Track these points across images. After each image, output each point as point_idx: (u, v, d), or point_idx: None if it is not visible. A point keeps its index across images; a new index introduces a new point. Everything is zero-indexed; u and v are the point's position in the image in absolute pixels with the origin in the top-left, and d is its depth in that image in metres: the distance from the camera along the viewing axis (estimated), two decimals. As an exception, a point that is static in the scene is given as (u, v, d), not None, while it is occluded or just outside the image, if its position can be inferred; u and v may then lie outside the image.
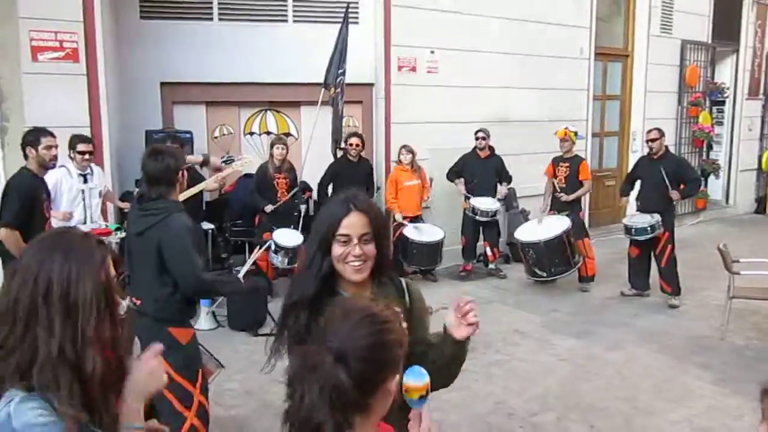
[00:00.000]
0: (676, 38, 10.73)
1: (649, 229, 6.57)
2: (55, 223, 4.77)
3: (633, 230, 6.69)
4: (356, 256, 1.81)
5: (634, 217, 6.83)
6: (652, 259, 6.83)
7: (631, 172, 7.28)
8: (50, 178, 4.96)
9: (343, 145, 7.37)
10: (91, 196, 5.34)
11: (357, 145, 7.20)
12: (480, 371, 5.07)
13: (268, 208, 6.75)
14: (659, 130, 6.79)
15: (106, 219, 5.66)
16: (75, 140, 5.27)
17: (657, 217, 6.58)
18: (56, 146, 4.61)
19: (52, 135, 4.59)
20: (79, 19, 5.81)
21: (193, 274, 3.15)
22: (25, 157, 4.56)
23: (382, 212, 1.89)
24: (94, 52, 5.93)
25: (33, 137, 4.53)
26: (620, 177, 10.64)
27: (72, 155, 5.24)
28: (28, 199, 4.39)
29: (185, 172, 3.30)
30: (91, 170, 5.40)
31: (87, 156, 5.26)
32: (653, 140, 6.69)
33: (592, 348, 5.57)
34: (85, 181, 5.32)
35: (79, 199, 5.26)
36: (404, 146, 7.41)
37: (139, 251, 3.26)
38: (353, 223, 1.82)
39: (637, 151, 10.48)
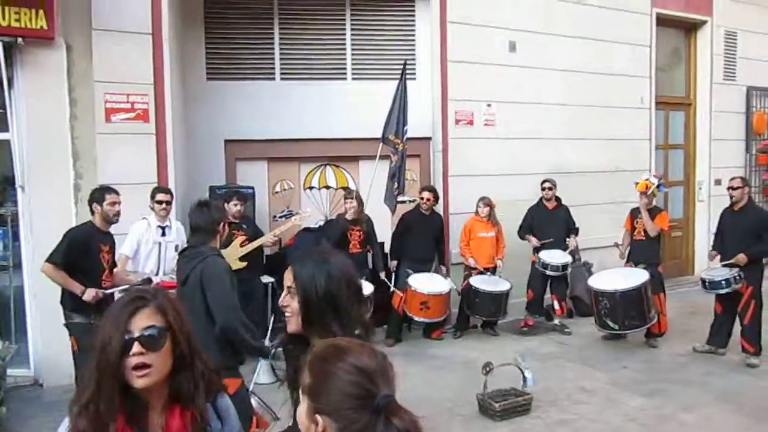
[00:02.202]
0: (741, 85, 10.48)
1: (724, 283, 6.26)
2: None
3: (707, 283, 6.40)
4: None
5: (713, 270, 6.52)
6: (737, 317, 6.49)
7: (717, 226, 6.91)
8: (136, 229, 5.33)
9: (407, 198, 7.41)
10: (167, 250, 5.49)
11: (429, 200, 7.24)
12: (543, 430, 4.87)
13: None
14: (743, 179, 6.56)
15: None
16: (155, 191, 5.56)
17: (736, 270, 6.26)
18: (119, 203, 4.91)
19: (116, 192, 4.91)
20: (149, 81, 6.12)
21: (229, 306, 3.33)
22: (92, 212, 4.87)
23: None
24: (163, 112, 6.21)
25: (98, 195, 4.86)
26: (687, 227, 10.35)
27: (152, 205, 5.47)
28: (79, 244, 4.69)
29: (226, 226, 3.57)
30: (170, 224, 5.57)
31: (164, 205, 5.46)
32: (735, 189, 6.45)
33: (663, 408, 5.28)
34: (163, 234, 5.49)
35: (155, 250, 5.43)
36: (482, 198, 7.37)
37: (187, 299, 3.39)
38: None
39: (703, 200, 10.17)
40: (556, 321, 7.65)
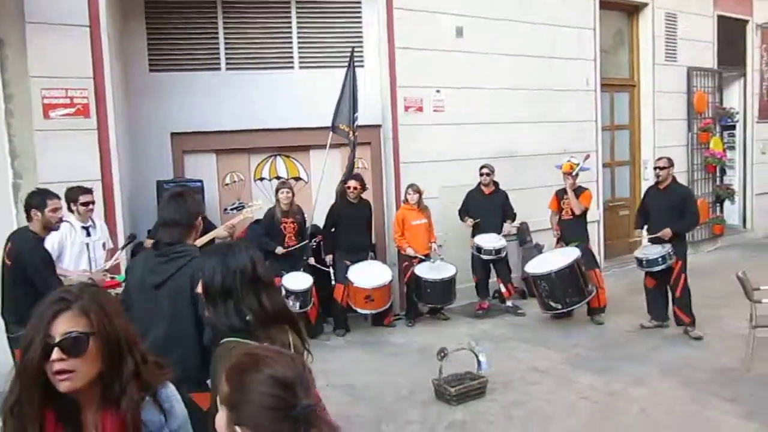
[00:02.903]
0: (681, 66, 10.76)
1: (660, 260, 6.48)
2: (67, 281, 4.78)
3: (644, 262, 6.60)
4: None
5: (646, 248, 6.74)
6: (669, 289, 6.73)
7: (641, 203, 7.21)
8: (54, 236, 4.92)
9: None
10: (95, 249, 5.32)
11: (355, 188, 7.22)
12: (499, 413, 4.96)
13: (279, 250, 6.76)
14: (669, 159, 6.76)
15: (118, 272, 5.65)
16: (76, 192, 5.23)
17: (668, 247, 6.50)
18: (61, 207, 4.61)
19: (57, 197, 4.59)
20: (89, 75, 5.92)
21: None
22: (29, 218, 4.53)
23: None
24: (104, 106, 6.02)
25: (39, 200, 4.49)
26: (633, 206, 10.57)
27: (74, 208, 5.20)
28: (52, 262, 4.49)
29: (201, 219, 3.19)
30: (93, 223, 5.40)
31: (90, 206, 5.28)
32: (661, 168, 6.66)
33: (613, 384, 5.44)
34: (88, 234, 5.31)
35: (83, 251, 5.26)
36: (411, 186, 7.41)
37: (161, 304, 2.95)
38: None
39: (648, 179, 10.41)
40: (509, 303, 7.78)
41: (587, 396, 5.23)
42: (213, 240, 6.32)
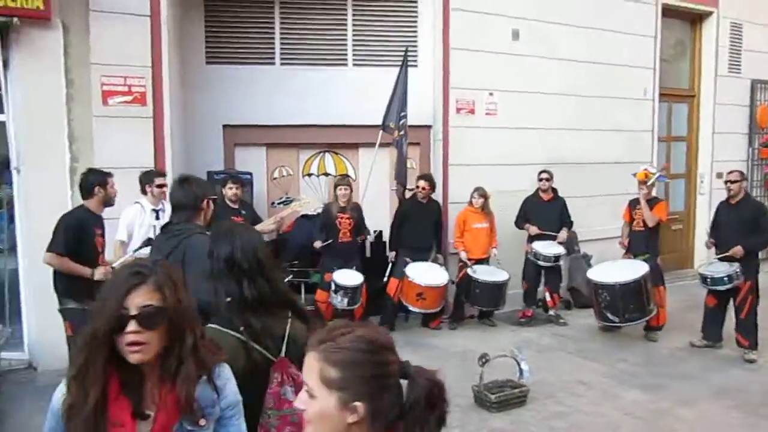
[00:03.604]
0: (745, 78, 10.38)
1: (726, 279, 6.20)
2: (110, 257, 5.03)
3: (709, 280, 6.33)
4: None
5: (712, 265, 6.45)
6: (728, 309, 6.45)
7: (713, 219, 6.88)
8: (128, 213, 5.31)
9: (410, 186, 7.36)
10: None
11: (424, 188, 7.17)
12: (539, 423, 4.84)
13: (317, 243, 6.74)
14: (741, 172, 6.50)
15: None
16: (152, 175, 5.53)
17: (736, 266, 6.21)
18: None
19: (112, 176, 4.90)
20: (147, 64, 6.04)
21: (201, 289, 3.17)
22: (90, 195, 4.74)
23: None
24: (160, 96, 6.13)
25: (101, 177, 4.79)
26: (687, 220, 10.30)
27: (148, 190, 5.45)
28: (75, 230, 4.62)
29: (210, 203, 3.30)
30: (163, 207, 5.52)
31: (164, 189, 5.44)
32: (733, 182, 6.39)
33: (660, 402, 5.25)
34: (158, 218, 5.45)
35: (150, 233, 5.37)
36: (477, 189, 7.31)
37: None
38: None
39: (704, 193, 10.11)
40: (551, 312, 7.62)
41: (632, 412, 5.06)
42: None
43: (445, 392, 1.40)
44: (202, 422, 1.72)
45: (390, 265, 7.21)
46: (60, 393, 1.70)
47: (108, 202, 4.85)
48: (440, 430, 1.40)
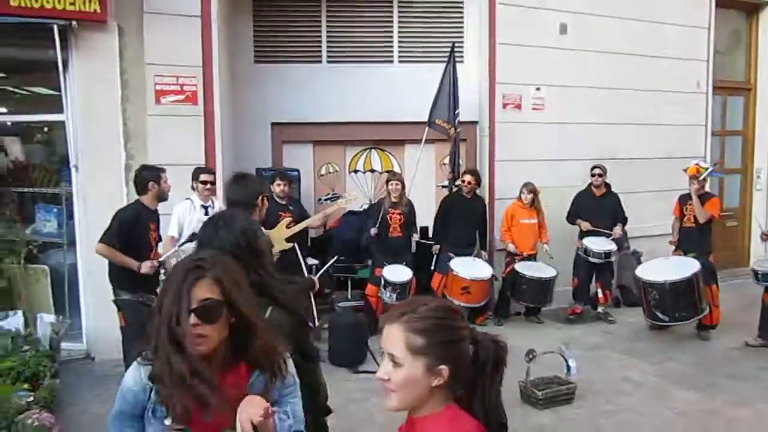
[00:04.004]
0: (805, 69, 10.00)
1: (778, 274, 6.04)
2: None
3: (760, 275, 6.16)
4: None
5: (764, 261, 6.27)
6: None
7: None
8: (179, 209, 5.46)
9: (457, 182, 7.37)
10: None
11: (470, 183, 7.16)
12: (586, 421, 4.80)
13: (373, 231, 6.79)
14: None
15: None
16: (198, 171, 5.66)
17: None
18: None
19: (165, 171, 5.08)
20: (198, 64, 6.19)
21: None
22: (145, 191, 4.93)
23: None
24: (211, 94, 6.27)
25: (155, 174, 4.97)
26: (743, 217, 9.98)
27: (195, 186, 5.59)
28: (130, 224, 4.77)
29: (265, 200, 3.33)
30: (213, 204, 5.66)
31: (209, 186, 5.60)
32: None
33: (713, 402, 5.13)
34: (206, 214, 5.57)
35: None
36: (526, 185, 7.27)
37: None
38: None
39: (761, 189, 9.78)
40: (600, 309, 7.51)
41: (683, 412, 4.96)
42: (306, 229, 6.50)
43: (507, 353, 1.55)
44: (273, 408, 1.78)
45: (434, 258, 7.22)
46: (132, 375, 1.77)
47: (162, 197, 5.02)
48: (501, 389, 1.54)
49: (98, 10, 5.72)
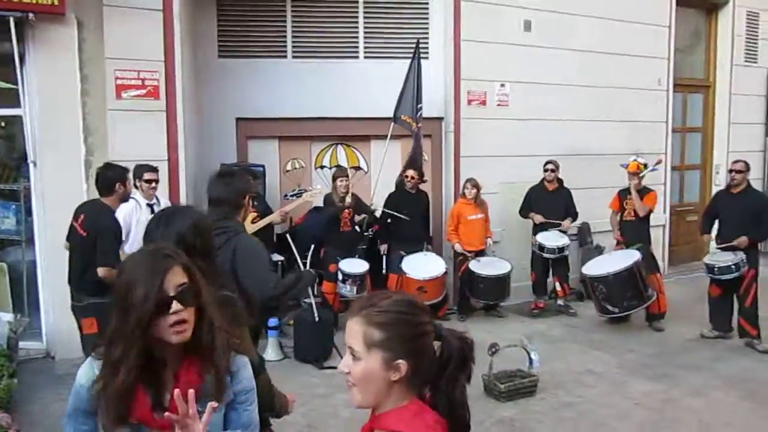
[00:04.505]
0: (762, 67, 10.27)
1: (733, 267, 6.20)
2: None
3: (716, 269, 6.32)
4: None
5: (717, 255, 6.44)
6: (735, 299, 6.44)
7: (708, 207, 6.91)
8: (122, 211, 5.11)
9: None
10: None
11: (413, 178, 7.19)
12: (548, 413, 4.88)
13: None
14: (746, 163, 6.47)
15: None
16: (142, 169, 5.38)
17: (741, 254, 6.21)
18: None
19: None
20: (160, 58, 6.11)
21: (271, 280, 3.02)
22: (109, 192, 4.65)
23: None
24: (173, 89, 6.19)
25: (122, 173, 4.67)
26: (702, 212, 10.18)
27: (138, 184, 5.35)
28: (118, 233, 4.60)
29: (252, 199, 3.20)
30: (158, 200, 5.54)
31: (153, 185, 5.42)
32: (738, 171, 6.36)
33: (670, 392, 5.26)
34: (152, 212, 5.45)
35: None
36: (469, 180, 7.33)
37: None
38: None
39: (720, 184, 9.99)
40: (560, 302, 7.63)
41: (642, 402, 5.08)
42: (270, 225, 6.47)
43: (473, 350, 1.51)
44: (214, 404, 1.74)
45: (383, 258, 7.23)
46: (85, 371, 1.75)
47: (126, 198, 4.79)
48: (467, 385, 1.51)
49: (56, 3, 5.61)
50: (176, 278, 1.64)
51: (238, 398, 1.82)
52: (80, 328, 4.65)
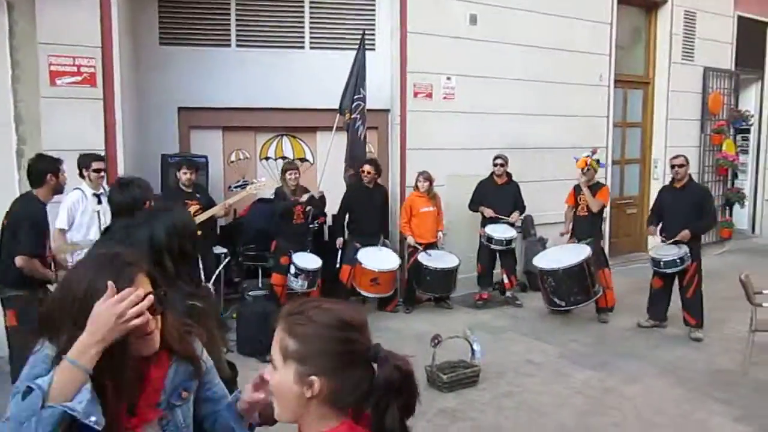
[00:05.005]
0: (698, 65, 10.61)
1: (678, 261, 6.37)
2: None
3: (662, 263, 6.49)
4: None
5: (662, 248, 6.61)
6: (673, 290, 6.65)
7: (655, 202, 7.06)
8: (68, 200, 5.06)
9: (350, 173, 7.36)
10: (106, 216, 5.27)
11: (369, 173, 7.18)
12: (489, 402, 4.94)
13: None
14: (686, 157, 6.66)
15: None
16: (89, 159, 5.24)
17: (685, 248, 6.40)
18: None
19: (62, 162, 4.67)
20: (97, 44, 5.89)
21: None
22: (41, 183, 4.54)
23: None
24: (111, 77, 5.99)
25: (54, 165, 4.57)
26: (642, 205, 10.52)
27: (86, 174, 5.21)
28: (41, 226, 4.48)
29: (152, 205, 3.22)
30: (105, 190, 5.37)
31: (102, 173, 5.27)
32: (680, 166, 6.54)
33: (608, 380, 5.40)
34: (99, 202, 5.27)
35: (94, 219, 5.21)
36: (422, 173, 7.35)
37: None
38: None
39: (658, 178, 10.32)
40: (508, 294, 7.75)
41: (580, 391, 5.20)
42: (212, 218, 6.35)
43: (412, 380, 1.36)
44: (185, 395, 1.74)
45: (339, 251, 7.22)
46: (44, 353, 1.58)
47: (59, 190, 4.66)
48: (406, 418, 1.36)
49: (-17, -16, 5.36)
50: (145, 286, 1.58)
51: (205, 378, 1.83)
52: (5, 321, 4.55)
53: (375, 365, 1.34)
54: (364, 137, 7.40)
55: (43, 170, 4.54)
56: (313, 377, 1.32)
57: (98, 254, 1.68)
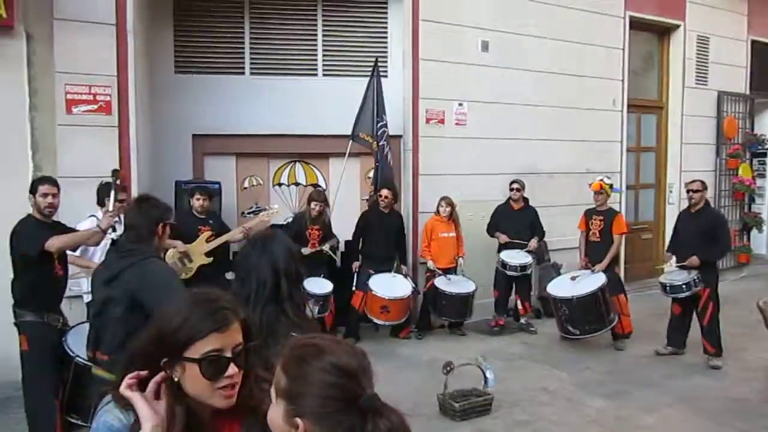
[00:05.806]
0: (712, 90, 10.57)
1: (684, 287, 6.29)
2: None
3: (668, 288, 6.42)
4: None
5: (671, 274, 6.53)
6: (694, 317, 6.54)
7: (674, 227, 6.96)
8: (82, 227, 5.03)
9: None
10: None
11: (387, 197, 7.18)
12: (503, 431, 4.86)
13: (305, 250, 6.69)
14: (702, 182, 6.60)
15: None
16: (114, 188, 5.15)
17: (694, 273, 6.31)
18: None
19: (51, 183, 4.51)
20: (112, 73, 6.01)
21: None
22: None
23: None
24: (126, 105, 6.10)
25: (34, 185, 4.51)
26: (657, 230, 10.42)
27: (107, 202, 5.14)
28: (40, 232, 4.41)
29: (167, 227, 3.19)
30: (120, 219, 5.40)
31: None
32: (695, 191, 6.48)
33: (624, 409, 5.29)
34: (114, 230, 5.31)
35: (109, 247, 5.24)
36: (444, 198, 7.35)
37: (112, 296, 3.04)
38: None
39: (673, 203, 10.23)
40: (522, 320, 7.67)
41: (595, 420, 5.10)
42: (227, 242, 6.37)
43: None
44: None
45: (355, 275, 7.20)
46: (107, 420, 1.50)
47: (39, 210, 4.46)
48: None
49: (4, 15, 5.49)
50: (235, 336, 1.49)
51: None
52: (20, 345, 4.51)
53: (370, 415, 1.28)
54: (391, 161, 7.44)
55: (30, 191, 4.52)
56: (298, 419, 1.28)
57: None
